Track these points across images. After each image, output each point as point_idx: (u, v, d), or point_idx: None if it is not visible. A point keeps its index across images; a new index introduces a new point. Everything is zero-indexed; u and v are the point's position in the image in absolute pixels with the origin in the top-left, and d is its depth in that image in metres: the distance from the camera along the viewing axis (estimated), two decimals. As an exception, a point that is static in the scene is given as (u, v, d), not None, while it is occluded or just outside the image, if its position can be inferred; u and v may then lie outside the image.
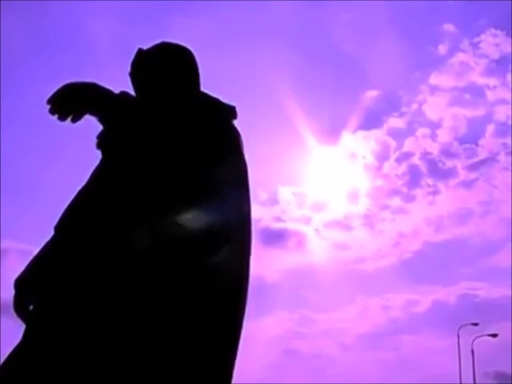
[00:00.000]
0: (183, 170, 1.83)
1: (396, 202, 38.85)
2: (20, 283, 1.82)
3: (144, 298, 1.72)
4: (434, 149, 34.77)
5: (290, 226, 33.50)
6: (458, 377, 26.21)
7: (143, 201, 1.80)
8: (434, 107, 36.98)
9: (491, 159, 35.60)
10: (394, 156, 35.45)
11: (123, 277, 1.72)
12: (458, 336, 26.85)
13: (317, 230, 35.27)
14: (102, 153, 1.90)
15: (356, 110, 33.42)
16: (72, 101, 1.84)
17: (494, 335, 26.76)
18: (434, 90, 36.17)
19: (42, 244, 1.84)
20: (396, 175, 34.53)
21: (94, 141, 1.94)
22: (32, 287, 1.80)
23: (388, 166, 35.22)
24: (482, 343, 26.91)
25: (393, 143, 34.34)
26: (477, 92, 39.34)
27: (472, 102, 36.38)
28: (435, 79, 37.97)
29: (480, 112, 36.13)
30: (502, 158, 35.47)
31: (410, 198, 37.67)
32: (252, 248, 1.93)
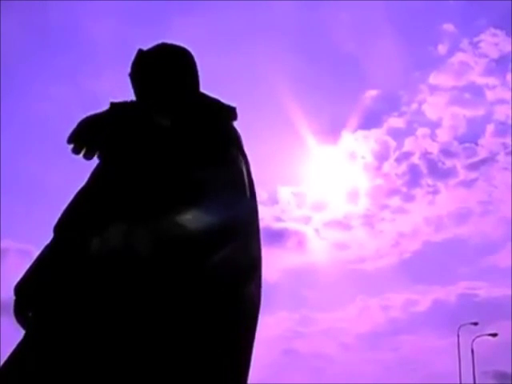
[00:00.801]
0: (183, 170, 1.83)
1: (396, 201, 38.92)
2: (20, 288, 1.81)
3: (146, 300, 1.71)
4: (434, 148, 34.81)
5: (289, 225, 33.52)
6: (458, 376, 26.23)
7: (143, 201, 1.80)
8: (434, 107, 37.01)
9: (491, 159, 35.59)
10: (393, 156, 35.46)
11: (124, 278, 1.72)
12: (458, 335, 26.87)
13: (316, 230, 35.35)
14: (101, 153, 1.90)
15: (356, 110, 33.47)
16: (93, 138, 1.87)
17: (494, 335, 26.76)
18: (433, 89, 36.24)
19: (42, 245, 1.84)
20: (396, 175, 34.57)
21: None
22: (32, 292, 1.80)
23: (388, 166, 35.27)
24: (482, 343, 26.92)
25: (392, 143, 34.37)
26: (476, 92, 39.36)
27: (472, 102, 36.46)
28: (435, 79, 37.94)
29: (480, 112, 36.23)
30: (502, 157, 35.46)
31: (409, 198, 37.80)
32: (261, 248, 1.93)
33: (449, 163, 37.12)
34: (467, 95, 37.08)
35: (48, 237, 1.83)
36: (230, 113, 2.01)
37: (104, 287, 1.72)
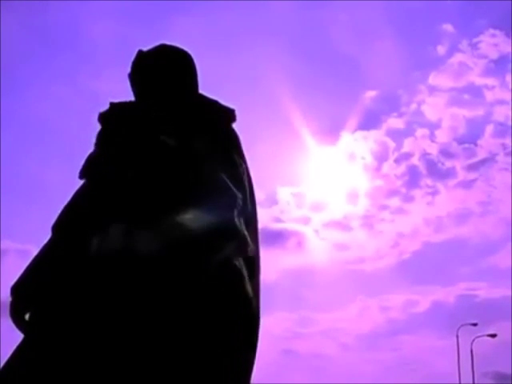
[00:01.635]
0: (183, 170, 1.83)
1: (395, 202, 38.87)
2: (17, 289, 1.80)
3: (146, 301, 1.71)
4: (433, 149, 34.79)
5: (289, 226, 33.51)
6: (457, 377, 26.24)
7: (143, 201, 1.80)
8: (433, 107, 36.96)
9: (490, 159, 35.52)
10: (393, 156, 35.40)
11: (124, 278, 1.72)
12: (457, 336, 26.89)
13: (316, 231, 35.33)
14: (101, 152, 1.90)
15: (355, 111, 33.47)
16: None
17: (493, 335, 26.78)
18: (432, 90, 36.17)
19: (41, 245, 1.84)
20: (395, 175, 34.54)
21: (93, 140, 1.94)
22: (29, 293, 1.79)
23: (387, 167, 35.22)
24: (481, 343, 26.93)
25: (392, 144, 34.35)
26: (476, 92, 39.26)
27: (471, 103, 36.43)
28: (434, 79, 37.87)
29: (479, 112, 36.19)
30: (501, 158, 35.42)
31: (409, 199, 37.78)
32: (259, 248, 1.93)
33: (448, 164, 37.06)
34: (466, 96, 36.99)
35: (47, 237, 1.83)
36: (229, 114, 2.02)
37: (104, 287, 1.72)
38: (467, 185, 37.81)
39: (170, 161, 1.83)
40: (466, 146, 34.17)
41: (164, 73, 2.01)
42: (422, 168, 34.75)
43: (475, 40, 33.63)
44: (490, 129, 35.37)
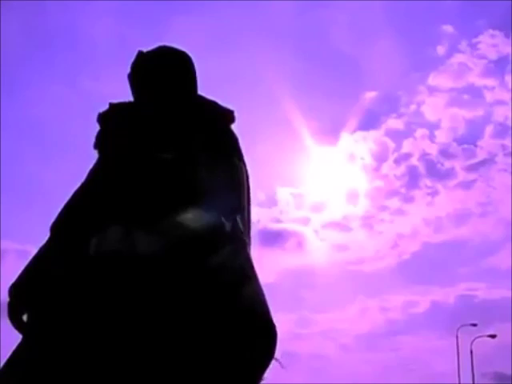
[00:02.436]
0: (183, 171, 1.83)
1: (395, 202, 38.84)
2: (14, 290, 1.80)
3: (146, 301, 1.71)
4: (433, 150, 34.79)
5: (288, 226, 33.51)
6: (457, 377, 26.24)
7: (143, 201, 1.80)
8: (433, 108, 36.93)
9: (490, 160, 35.49)
10: (392, 157, 35.40)
11: (124, 278, 1.73)
12: (457, 337, 26.87)
13: (315, 231, 35.31)
14: (99, 153, 1.90)
15: (354, 111, 33.44)
16: None
17: (493, 336, 26.78)
18: (432, 90, 36.19)
19: (40, 245, 1.84)
20: (395, 176, 34.55)
21: (92, 141, 1.94)
22: (27, 294, 1.79)
23: (387, 167, 35.21)
24: (481, 344, 26.93)
25: (391, 144, 34.35)
26: (475, 93, 39.20)
27: (470, 103, 36.43)
28: (434, 80, 37.84)
29: (478, 113, 36.20)
30: (501, 158, 35.41)
31: (408, 199, 37.80)
32: (252, 249, 1.94)
33: (448, 164, 37.03)
34: (466, 96, 36.97)
35: (46, 238, 1.83)
36: (229, 115, 2.02)
37: (103, 287, 1.72)
38: (467, 185, 37.79)
39: (169, 164, 1.83)
40: (466, 146, 34.18)
41: (163, 74, 2.02)
42: (421, 168, 34.77)
43: (475, 40, 33.66)
44: (489, 129, 35.37)
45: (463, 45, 36.51)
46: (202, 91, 2.09)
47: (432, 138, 35.56)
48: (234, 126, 2.04)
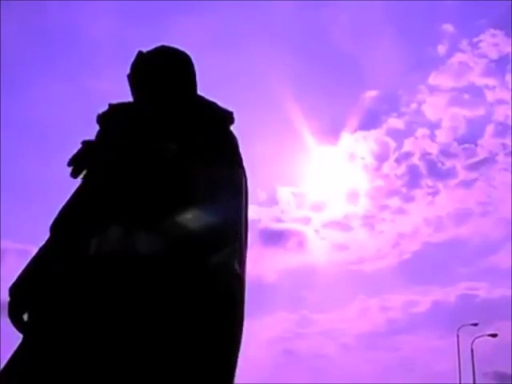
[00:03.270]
0: (182, 171, 1.83)
1: (395, 202, 38.85)
2: (14, 290, 1.80)
3: (146, 301, 1.71)
4: (434, 149, 34.80)
5: (289, 226, 33.51)
6: (458, 377, 26.23)
7: (143, 201, 1.80)
8: (434, 107, 36.91)
9: (490, 159, 35.52)
10: (393, 156, 35.39)
11: (123, 278, 1.72)
12: (458, 336, 26.86)
13: (316, 231, 35.37)
14: (100, 152, 1.90)
15: (355, 111, 33.46)
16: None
17: (494, 335, 26.76)
18: (433, 90, 36.23)
19: (40, 245, 1.84)
20: (395, 175, 34.55)
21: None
22: (27, 294, 1.79)
23: (387, 167, 35.23)
24: (482, 343, 26.92)
25: (392, 143, 34.36)
26: (476, 92, 39.23)
27: (471, 103, 36.43)
28: (434, 79, 37.91)
29: (479, 112, 36.17)
30: (501, 158, 35.41)
31: (409, 199, 37.79)
32: (248, 251, 1.94)
33: (448, 164, 37.06)
34: (467, 96, 36.96)
35: (46, 237, 1.83)
36: (228, 117, 2.02)
37: (102, 287, 1.72)
38: (467, 185, 37.84)
39: (169, 164, 1.83)
40: (467, 145, 34.20)
41: (163, 74, 2.02)
42: (422, 168, 34.76)
43: (475, 40, 33.67)
44: (490, 129, 35.43)
45: (464, 44, 36.55)
46: (202, 91, 2.09)
47: (433, 137, 35.63)
48: (233, 127, 2.04)
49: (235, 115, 2.05)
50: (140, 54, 2.05)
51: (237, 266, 1.86)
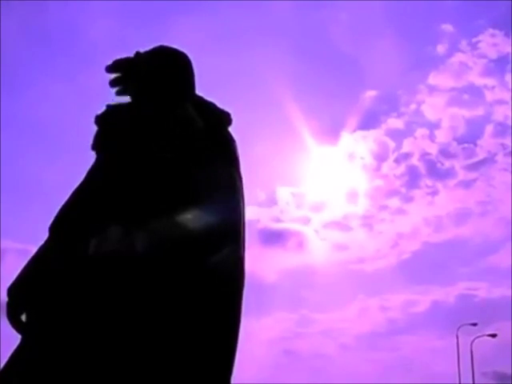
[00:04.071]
0: (181, 171, 1.83)
1: (395, 202, 38.79)
2: (13, 290, 1.80)
3: (145, 300, 1.72)
4: (433, 149, 34.75)
5: (288, 226, 33.50)
6: (457, 377, 26.25)
7: (142, 201, 1.80)
8: (433, 107, 36.89)
9: (490, 159, 35.49)
10: (392, 156, 35.35)
11: (123, 278, 1.73)
12: (457, 336, 26.87)
13: (316, 231, 35.29)
14: (97, 153, 1.90)
15: (355, 111, 33.45)
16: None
17: (493, 335, 26.79)
18: (432, 90, 36.16)
19: (40, 244, 1.84)
20: (395, 176, 34.52)
21: (91, 141, 1.95)
22: (25, 294, 1.79)
23: (387, 167, 35.20)
24: (481, 343, 26.94)
25: (391, 143, 34.32)
26: (475, 92, 39.14)
27: (471, 103, 36.38)
28: (434, 79, 37.86)
29: (479, 112, 36.13)
30: (501, 158, 35.36)
31: (408, 199, 37.73)
32: (246, 251, 1.94)
33: (448, 164, 36.95)
34: (466, 96, 36.89)
35: (46, 237, 1.83)
36: (225, 118, 2.03)
37: (102, 287, 1.72)
38: (467, 185, 37.80)
39: (169, 164, 1.84)
40: (466, 145, 34.16)
41: (161, 74, 2.02)
42: (421, 168, 34.75)
43: (475, 40, 33.63)
44: (489, 129, 35.34)
45: (463, 44, 36.51)
46: (202, 91, 2.09)
47: (432, 137, 35.58)
48: (232, 127, 2.04)
49: (234, 115, 2.05)
50: (137, 54, 2.05)
51: (236, 266, 1.87)
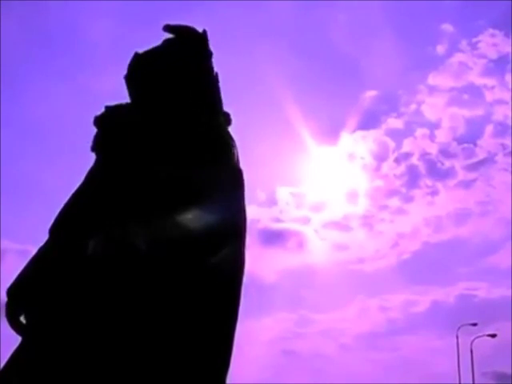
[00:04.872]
0: (182, 171, 1.84)
1: (395, 202, 38.82)
2: (12, 291, 1.81)
3: (145, 300, 1.72)
4: (433, 149, 34.76)
5: (288, 226, 33.50)
6: (457, 377, 26.24)
7: (142, 202, 1.80)
8: (433, 107, 36.90)
9: (490, 159, 35.50)
10: (392, 156, 35.34)
11: (123, 278, 1.73)
12: (457, 336, 26.87)
13: (316, 231, 35.29)
14: (97, 155, 1.91)
15: (354, 111, 33.48)
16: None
17: (493, 335, 26.78)
18: (432, 90, 36.14)
19: (40, 245, 1.84)
20: (395, 176, 34.53)
21: (90, 143, 1.95)
22: (25, 295, 1.79)
23: (387, 167, 35.20)
24: (481, 343, 26.93)
25: (391, 143, 34.33)
26: (475, 92, 39.15)
27: (470, 103, 36.36)
28: (433, 79, 37.81)
29: (478, 112, 36.13)
30: (501, 158, 35.36)
31: (408, 199, 37.75)
32: (246, 251, 1.95)
33: (448, 164, 36.93)
34: (466, 96, 36.89)
35: (45, 238, 1.83)
36: (225, 118, 2.03)
37: (103, 288, 1.73)
38: (467, 185, 37.81)
39: (169, 165, 1.84)
40: (466, 145, 34.16)
41: (160, 74, 2.02)
42: (421, 168, 34.75)
43: (474, 40, 33.65)
44: (489, 129, 35.33)
45: (463, 44, 36.50)
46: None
47: (432, 137, 35.55)
48: (232, 127, 2.04)
49: (233, 116, 2.06)
50: (136, 55, 2.05)
51: (236, 267, 1.87)
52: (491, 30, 33.74)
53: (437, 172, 34.53)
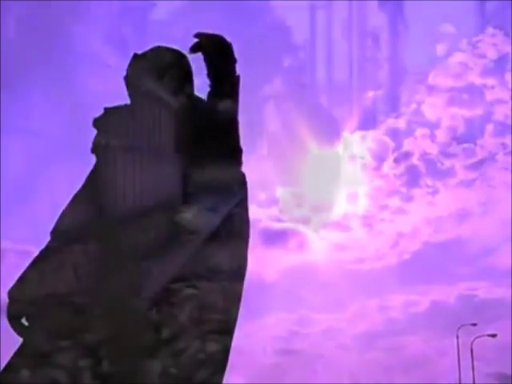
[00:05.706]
0: (183, 172, 1.84)
1: (395, 202, 38.78)
2: (13, 293, 1.81)
3: (145, 301, 1.72)
4: (433, 149, 34.79)
5: (289, 226, 33.48)
6: (458, 377, 26.23)
7: (142, 202, 1.80)
8: (433, 107, 36.93)
9: (490, 159, 35.55)
10: (392, 156, 35.37)
11: (121, 279, 1.73)
12: (457, 336, 26.85)
13: (316, 231, 35.27)
14: (97, 156, 1.91)
15: (355, 111, 33.47)
16: None
17: (494, 335, 26.77)
18: (432, 90, 36.15)
19: (42, 246, 1.84)
20: (395, 175, 34.56)
21: (91, 145, 1.95)
22: (26, 297, 1.80)
23: (387, 167, 35.23)
24: (482, 343, 26.91)
25: (391, 143, 34.34)
26: (475, 92, 39.16)
27: (470, 102, 36.39)
28: (434, 79, 37.87)
29: (478, 112, 36.14)
30: (501, 157, 35.42)
31: (408, 198, 37.73)
32: (249, 249, 1.95)
33: (448, 163, 36.95)
34: (466, 95, 36.93)
35: (47, 238, 1.83)
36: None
37: (100, 288, 1.73)
38: (467, 184, 37.79)
39: (168, 164, 1.84)
40: (466, 145, 34.20)
41: (159, 74, 2.02)
42: (421, 168, 34.78)
43: (474, 40, 33.65)
44: (489, 128, 35.37)
45: (463, 44, 36.52)
46: (202, 91, 2.09)
47: (432, 137, 35.58)
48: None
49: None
50: (135, 55, 2.05)
51: (235, 265, 1.87)
52: (491, 30, 33.78)
53: (437, 172, 34.57)
